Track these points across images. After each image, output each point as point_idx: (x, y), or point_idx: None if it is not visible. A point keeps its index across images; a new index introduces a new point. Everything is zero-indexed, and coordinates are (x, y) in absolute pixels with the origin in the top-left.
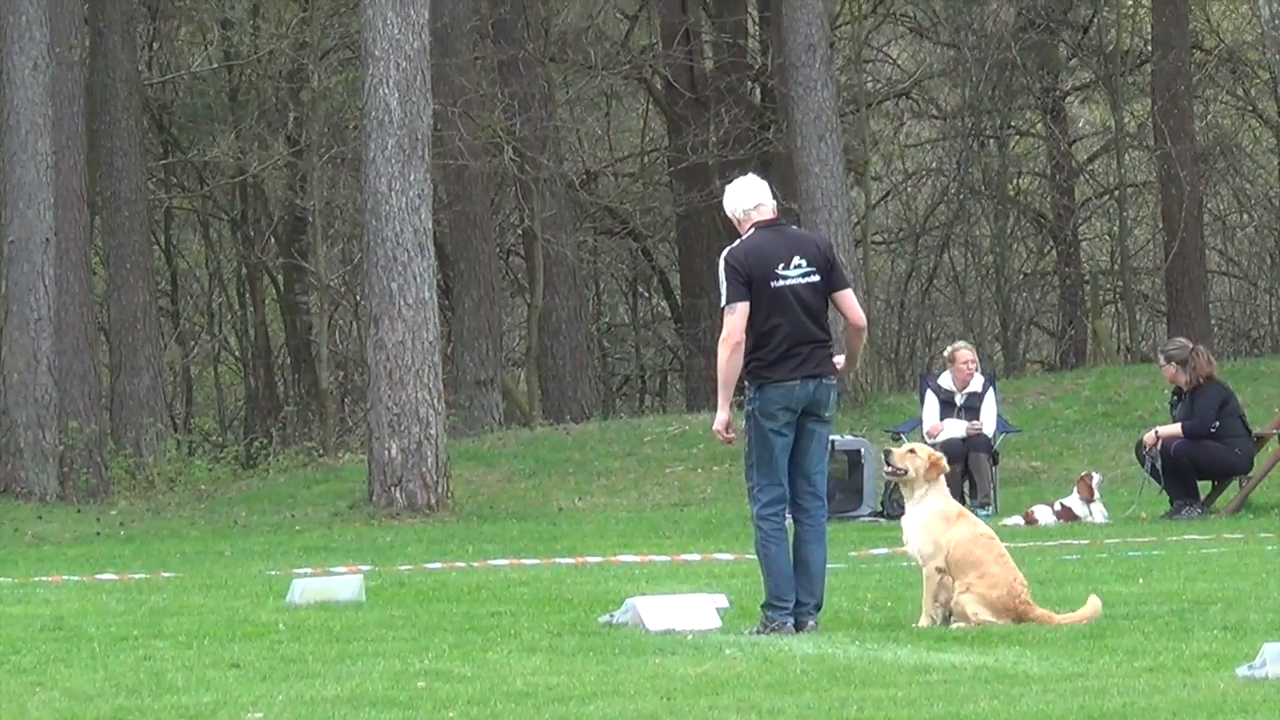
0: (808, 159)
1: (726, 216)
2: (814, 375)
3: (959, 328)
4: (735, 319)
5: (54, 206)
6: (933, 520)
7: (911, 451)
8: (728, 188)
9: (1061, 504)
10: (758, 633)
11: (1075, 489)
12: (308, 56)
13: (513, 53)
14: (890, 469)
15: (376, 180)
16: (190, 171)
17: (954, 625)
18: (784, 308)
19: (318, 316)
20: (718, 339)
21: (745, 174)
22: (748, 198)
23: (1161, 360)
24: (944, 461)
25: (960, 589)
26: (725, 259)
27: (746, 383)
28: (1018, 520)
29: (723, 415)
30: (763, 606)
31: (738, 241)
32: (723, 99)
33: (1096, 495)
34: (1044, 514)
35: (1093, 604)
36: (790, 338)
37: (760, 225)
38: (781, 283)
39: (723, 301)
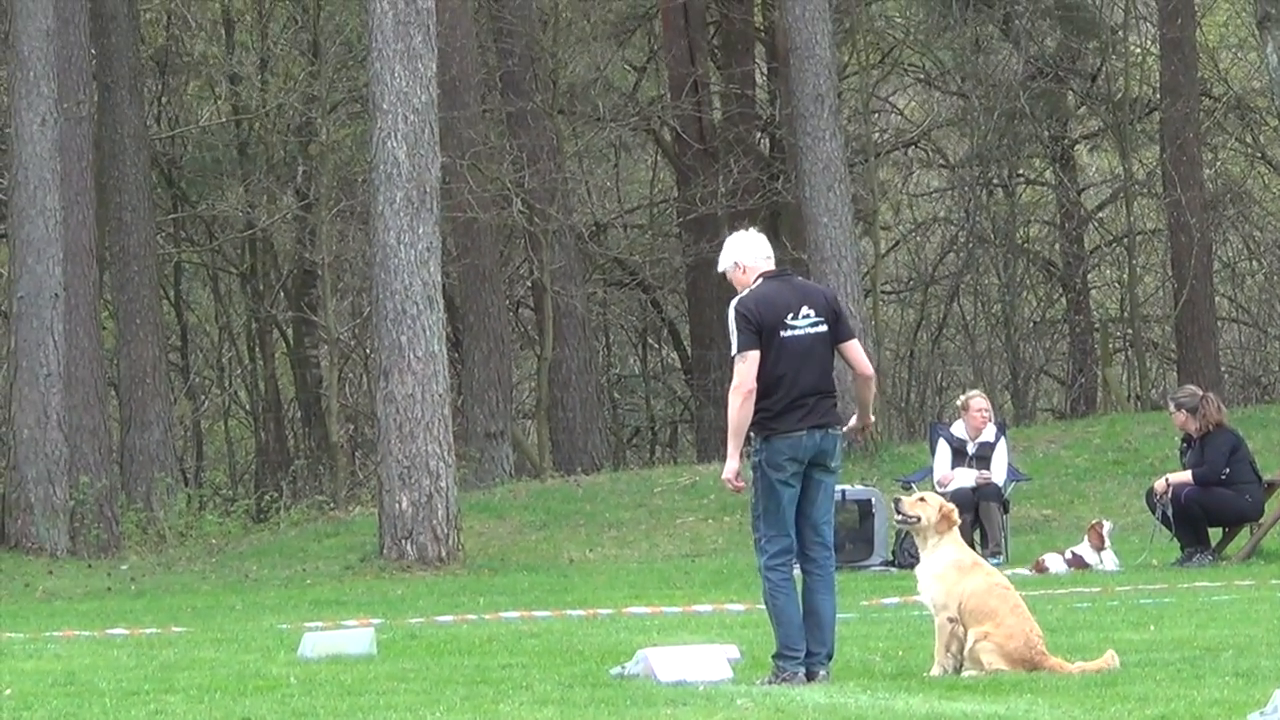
0: (816, 209)
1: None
2: (820, 426)
3: (969, 376)
4: (747, 367)
5: (63, 261)
6: (947, 570)
7: (922, 500)
8: (726, 243)
9: (1072, 552)
10: (769, 683)
11: (1086, 537)
12: (316, 110)
13: (521, 105)
14: (901, 516)
15: (385, 233)
16: (199, 225)
17: (966, 673)
18: (792, 358)
19: (328, 370)
20: (727, 389)
21: (746, 228)
22: (754, 250)
23: (1172, 408)
24: (955, 513)
25: (976, 637)
26: (736, 307)
27: (753, 434)
28: (1029, 571)
29: (733, 464)
30: (774, 657)
31: (746, 290)
32: (731, 150)
33: (1107, 543)
34: (1055, 562)
35: (1109, 657)
36: (797, 388)
37: (767, 276)
38: (791, 332)
39: (733, 350)
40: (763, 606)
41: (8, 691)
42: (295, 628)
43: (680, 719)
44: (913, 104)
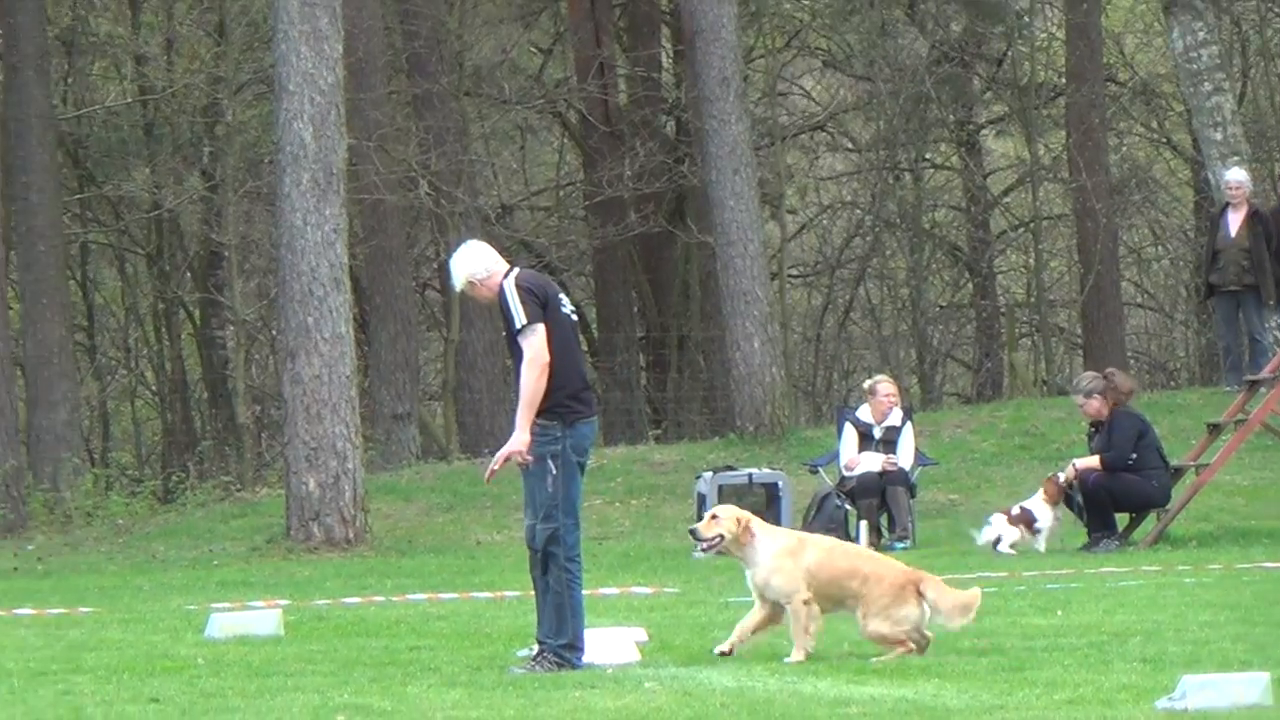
0: (722, 192)
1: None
2: (594, 415)
3: (875, 361)
4: (540, 340)
5: None
6: (779, 560)
7: (714, 518)
8: (471, 253)
9: (1021, 507)
10: (545, 670)
11: (1040, 491)
12: (222, 91)
13: (427, 87)
14: (706, 544)
15: (291, 214)
16: (106, 206)
17: (874, 661)
18: (571, 341)
19: (234, 351)
20: (634, 372)
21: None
22: (493, 254)
23: (1080, 399)
24: (752, 522)
25: (860, 615)
26: (516, 281)
27: (551, 420)
28: (991, 535)
29: (527, 436)
30: (561, 648)
31: (514, 268)
32: (637, 132)
33: (1059, 500)
34: (998, 521)
35: (974, 592)
36: (582, 374)
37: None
38: (565, 310)
39: (522, 320)
40: (671, 589)
41: None
42: (202, 608)
43: (589, 701)
44: (819, 87)
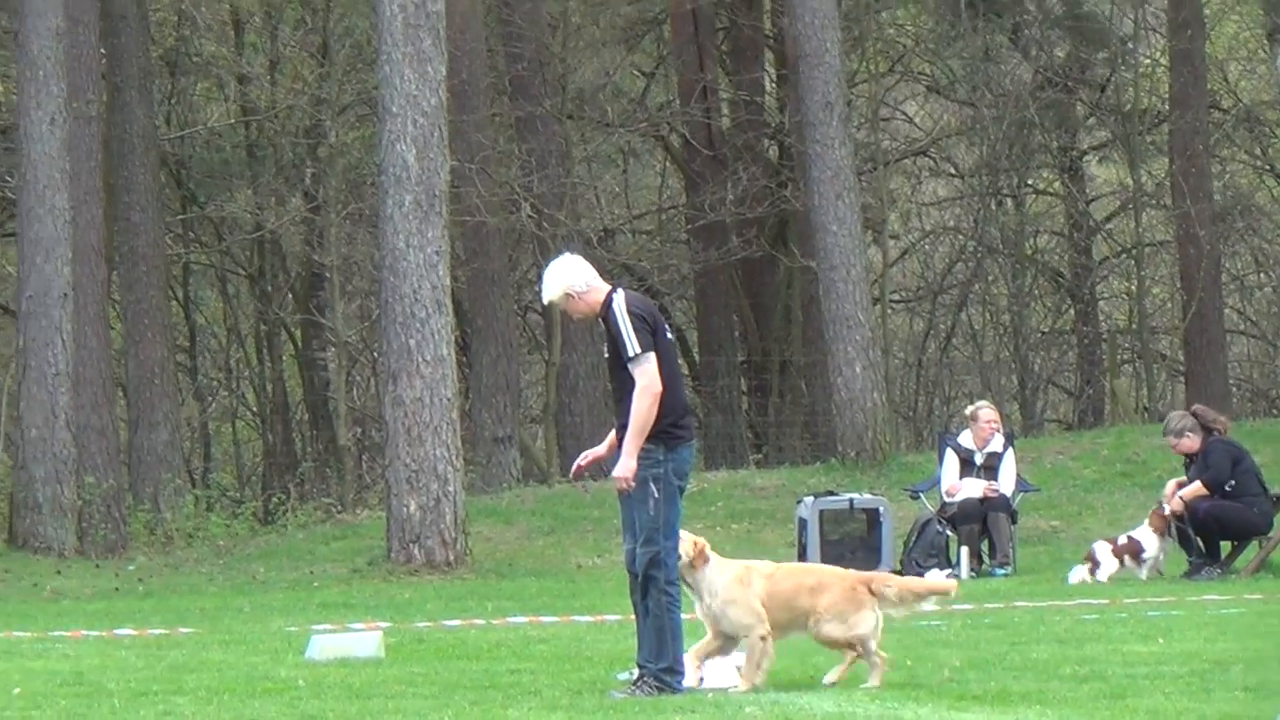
0: (825, 217)
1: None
2: (694, 438)
3: (977, 386)
4: (653, 368)
5: (71, 261)
6: (731, 590)
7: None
8: (570, 266)
9: (1128, 537)
10: (646, 694)
11: (1147, 521)
12: (325, 112)
13: (530, 109)
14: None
15: (394, 236)
16: (208, 226)
17: (827, 680)
18: (674, 366)
19: (335, 372)
20: (736, 395)
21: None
22: (591, 269)
23: (1172, 440)
24: (707, 547)
25: (812, 622)
26: (628, 308)
27: (653, 444)
28: (1082, 573)
29: (634, 464)
30: (662, 671)
31: (617, 288)
32: (740, 156)
33: (1171, 528)
34: (1102, 550)
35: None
36: (683, 399)
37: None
38: (669, 336)
39: (635, 349)
40: None
41: (16, 690)
42: (303, 630)
43: None
44: (922, 112)
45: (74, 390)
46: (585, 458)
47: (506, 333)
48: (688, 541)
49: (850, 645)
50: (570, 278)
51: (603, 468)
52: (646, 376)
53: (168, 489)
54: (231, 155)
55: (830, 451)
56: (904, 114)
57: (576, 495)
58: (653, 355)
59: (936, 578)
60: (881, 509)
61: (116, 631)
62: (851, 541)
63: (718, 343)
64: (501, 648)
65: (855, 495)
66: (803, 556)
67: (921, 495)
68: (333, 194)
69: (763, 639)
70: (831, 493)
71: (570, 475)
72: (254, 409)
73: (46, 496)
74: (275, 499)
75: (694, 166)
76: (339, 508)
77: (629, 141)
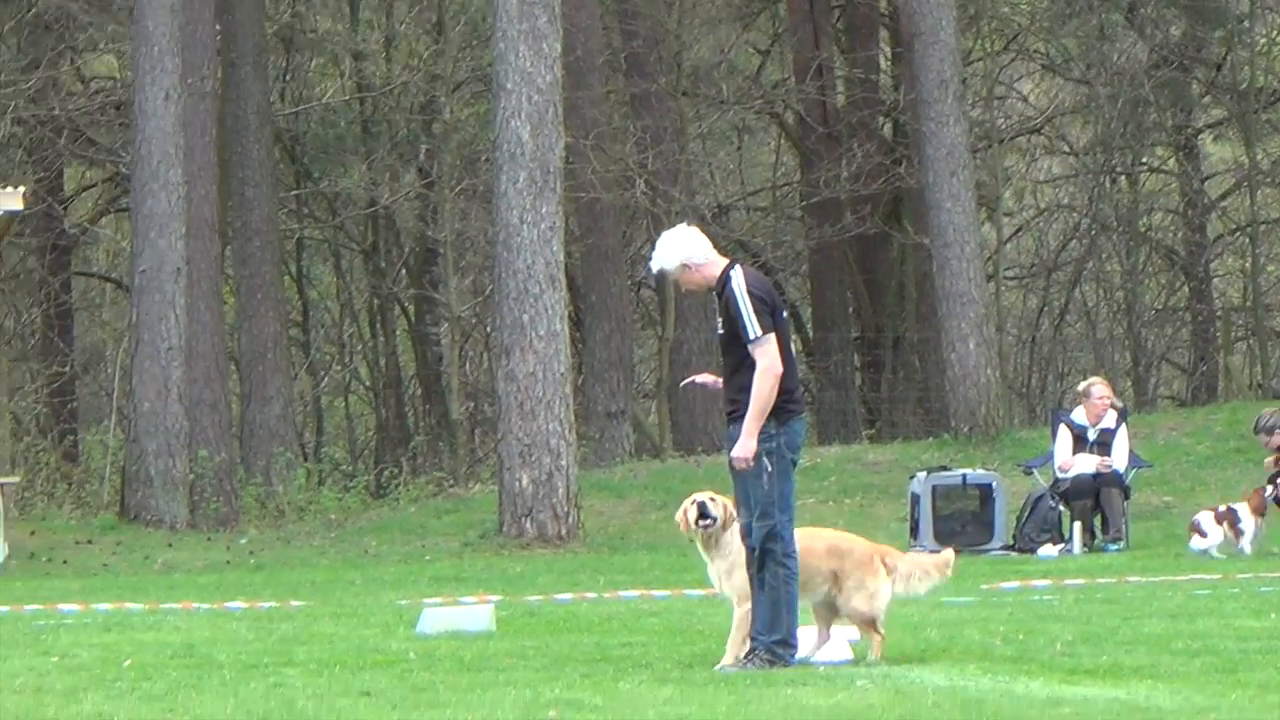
0: (940, 194)
1: (684, 270)
2: (805, 412)
3: (1090, 363)
4: (774, 350)
5: (185, 236)
6: (742, 558)
7: (712, 499)
8: (689, 237)
9: (1229, 506)
10: (757, 667)
11: (1246, 500)
12: (440, 89)
13: (645, 86)
14: (708, 521)
15: (508, 212)
16: (322, 202)
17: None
18: (788, 343)
19: (448, 347)
20: (849, 371)
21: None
22: (708, 243)
23: (1264, 439)
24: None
25: (836, 592)
26: (748, 289)
27: (767, 420)
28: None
29: (754, 445)
30: (775, 644)
31: (737, 267)
32: (854, 134)
33: (1265, 511)
34: (1206, 519)
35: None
36: (796, 374)
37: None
38: (784, 314)
39: (756, 332)
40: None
41: (127, 662)
42: (414, 603)
43: (800, 699)
44: (1037, 90)
45: (187, 364)
46: (699, 378)
47: (620, 308)
48: (722, 504)
49: (874, 625)
50: (689, 249)
51: (715, 443)
52: (768, 358)
53: (280, 463)
54: (346, 131)
55: (943, 427)
56: (1018, 92)
57: (689, 469)
58: (773, 337)
59: (1049, 553)
60: (994, 484)
61: (227, 604)
62: (964, 517)
63: (831, 319)
64: (613, 621)
65: (968, 471)
66: (915, 532)
67: (1034, 471)
68: (447, 170)
69: (749, 613)
70: (945, 468)
71: (681, 383)
72: (367, 383)
73: (159, 470)
74: (387, 473)
75: (808, 143)
76: (451, 482)
77: (744, 118)
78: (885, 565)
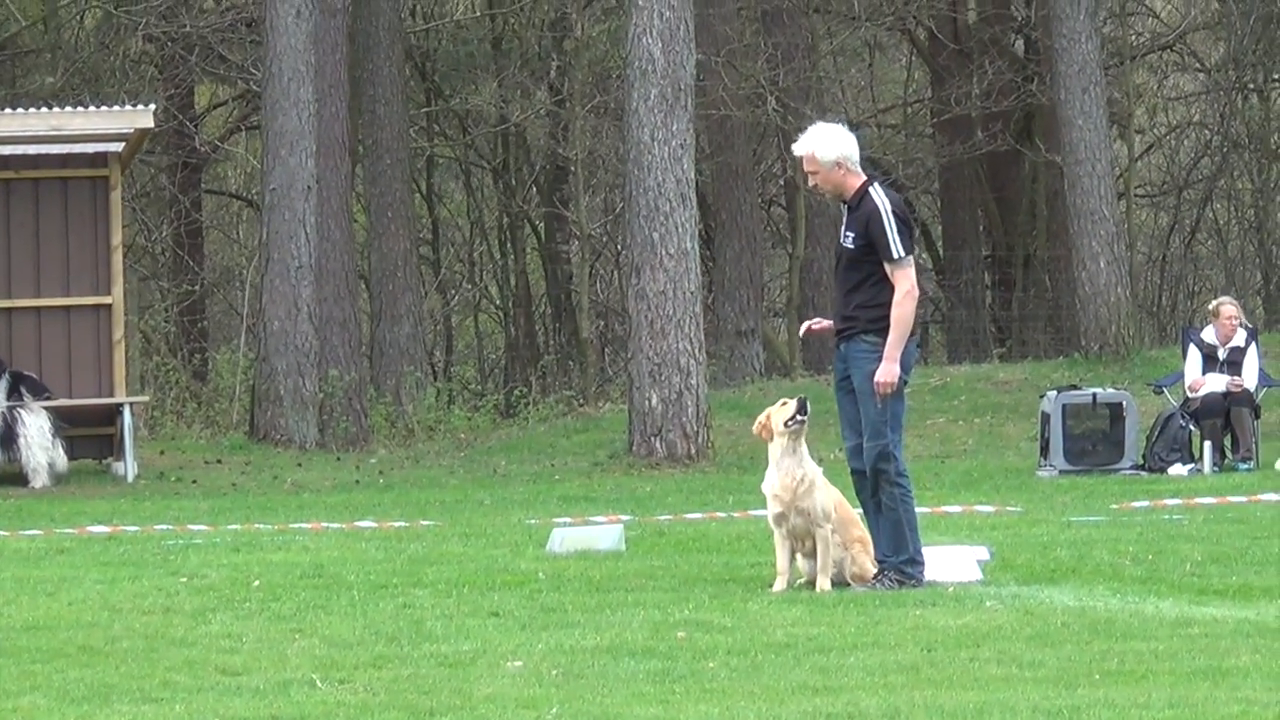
0: (1071, 111)
1: (827, 161)
2: (916, 333)
3: (1221, 281)
4: (913, 272)
5: (315, 154)
6: (822, 480)
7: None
8: (845, 137)
9: None
10: (886, 587)
11: None
12: (571, 5)
13: (776, 3)
14: (804, 417)
15: (639, 130)
16: (452, 119)
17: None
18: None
19: (578, 266)
20: (979, 290)
21: (1000, 130)
22: (855, 149)
23: None
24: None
25: (850, 557)
26: (892, 208)
27: (881, 339)
28: None
29: (898, 368)
30: (903, 564)
31: (876, 184)
32: (986, 50)
33: None
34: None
35: None
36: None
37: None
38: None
39: (900, 252)
40: (1013, 508)
41: (256, 583)
42: (543, 523)
43: (929, 620)
44: (1169, 7)
45: (317, 283)
46: (816, 323)
47: (750, 226)
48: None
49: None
50: (850, 148)
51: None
52: (909, 280)
53: (409, 382)
54: (477, 49)
55: (1074, 346)
56: (1150, 8)
57: (819, 389)
58: (911, 259)
59: (1178, 471)
60: (1125, 403)
61: (357, 524)
62: (1094, 436)
63: (962, 237)
64: (742, 541)
65: (1099, 390)
66: (1045, 451)
67: (1165, 390)
68: (578, 87)
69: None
70: (1075, 387)
71: (801, 332)
72: (497, 302)
73: (288, 389)
74: (517, 392)
75: (940, 60)
76: (580, 401)
77: (875, 34)
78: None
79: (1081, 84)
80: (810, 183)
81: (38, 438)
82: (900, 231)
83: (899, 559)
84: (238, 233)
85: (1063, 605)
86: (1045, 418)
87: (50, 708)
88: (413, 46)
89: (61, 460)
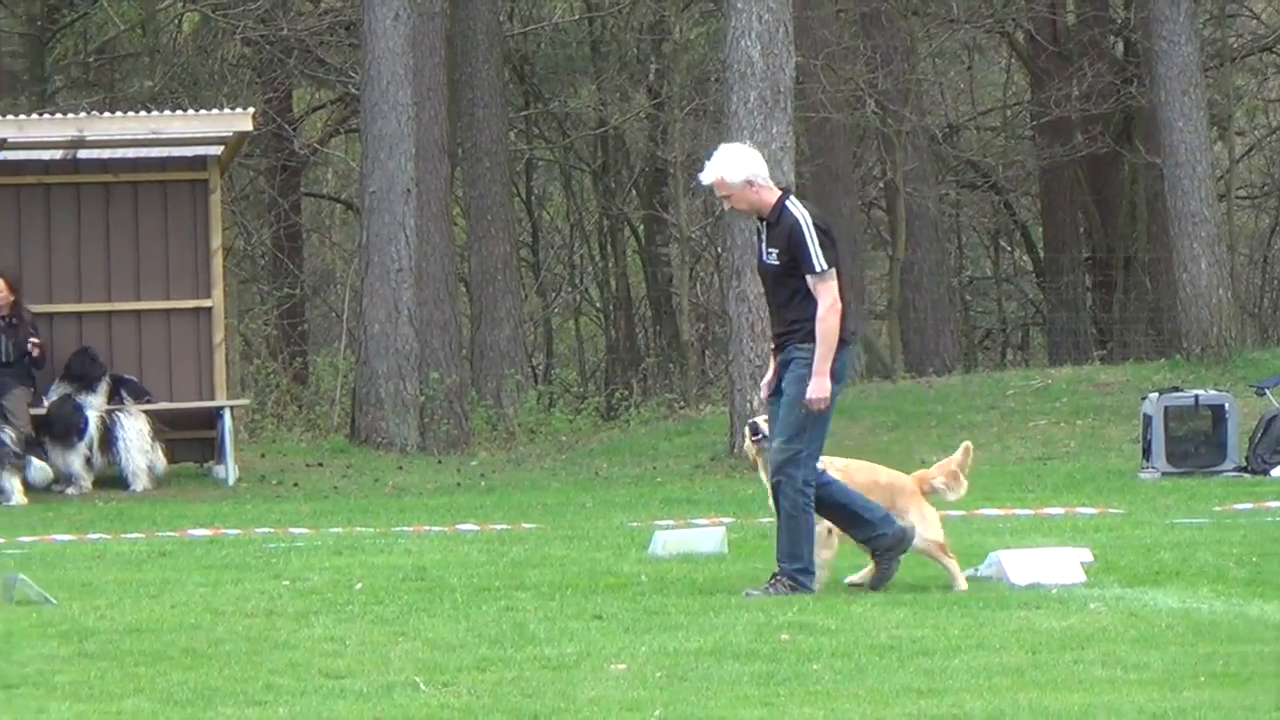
0: (1171, 113)
1: (746, 183)
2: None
3: None
4: (835, 285)
5: (415, 157)
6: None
7: (766, 420)
8: (749, 153)
9: None
10: (780, 594)
11: None
12: (669, 8)
13: (875, 5)
14: (758, 436)
15: (738, 133)
16: (551, 122)
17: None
18: (843, 276)
19: (678, 268)
20: (1079, 292)
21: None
22: (763, 165)
23: None
24: None
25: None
26: (813, 221)
27: (807, 346)
28: None
29: (828, 382)
30: (797, 572)
31: (792, 197)
32: (1085, 53)
33: None
34: None
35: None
36: (850, 305)
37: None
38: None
39: (822, 265)
40: (1115, 510)
41: (358, 585)
42: (645, 526)
43: (1033, 622)
44: (1269, 9)
45: (417, 286)
46: (767, 388)
47: (851, 228)
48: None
49: (944, 549)
50: (757, 166)
51: (946, 364)
52: (832, 294)
53: (510, 385)
54: (575, 51)
55: (1175, 347)
56: (1250, 11)
57: (920, 391)
58: (834, 271)
59: None
60: (1227, 405)
61: (458, 527)
62: (1196, 438)
63: (1062, 239)
64: (845, 544)
65: (1200, 391)
66: (1148, 453)
67: (1268, 391)
68: (677, 90)
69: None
70: (1177, 389)
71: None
72: (597, 305)
73: (389, 392)
74: (618, 394)
75: (1039, 63)
76: (682, 403)
77: (974, 37)
78: (933, 488)
79: (1181, 86)
80: (727, 206)
81: (136, 441)
82: (822, 244)
83: (793, 566)
84: (335, 236)
85: (1167, 608)
86: (1147, 420)
87: (154, 710)
88: (511, 49)
89: (160, 463)
